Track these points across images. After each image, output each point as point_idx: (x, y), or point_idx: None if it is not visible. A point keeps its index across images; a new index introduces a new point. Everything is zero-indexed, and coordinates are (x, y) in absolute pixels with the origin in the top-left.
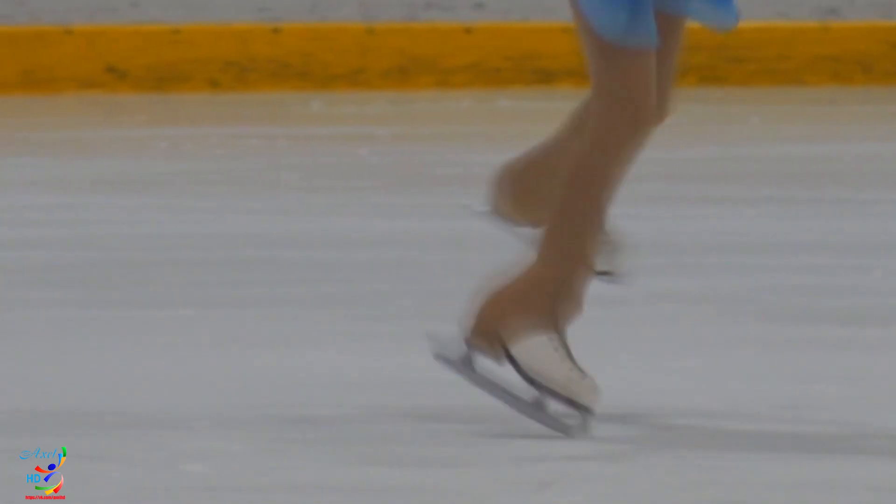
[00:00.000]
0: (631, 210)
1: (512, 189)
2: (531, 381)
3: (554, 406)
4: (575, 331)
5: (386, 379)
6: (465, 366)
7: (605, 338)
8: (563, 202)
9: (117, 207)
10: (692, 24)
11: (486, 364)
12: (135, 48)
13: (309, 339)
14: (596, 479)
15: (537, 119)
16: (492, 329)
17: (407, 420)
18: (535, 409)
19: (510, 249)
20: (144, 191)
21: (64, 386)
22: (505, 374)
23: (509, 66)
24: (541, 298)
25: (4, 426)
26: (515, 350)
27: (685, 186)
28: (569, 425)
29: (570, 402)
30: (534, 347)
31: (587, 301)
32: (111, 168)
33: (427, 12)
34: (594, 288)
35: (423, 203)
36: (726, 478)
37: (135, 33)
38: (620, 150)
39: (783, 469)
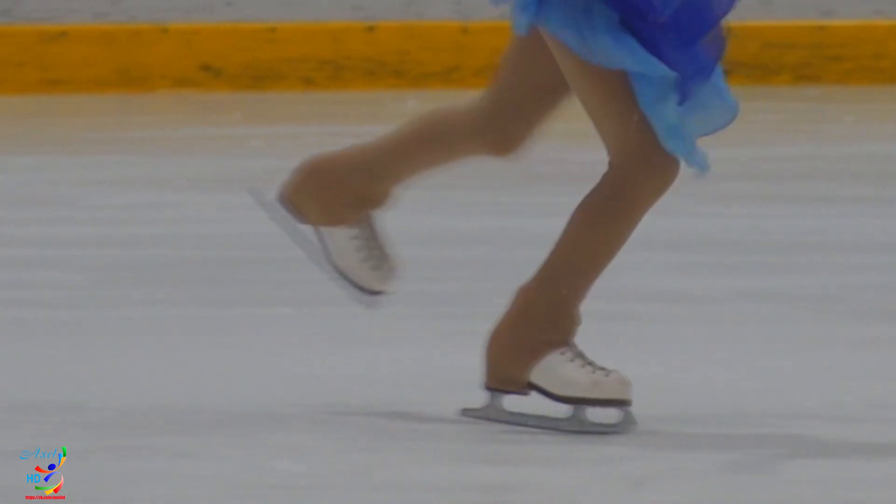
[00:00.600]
0: (725, 208)
1: (310, 180)
2: (561, 398)
3: (591, 413)
4: (664, 330)
5: (478, 377)
6: (494, 411)
7: (696, 337)
8: (576, 236)
9: (213, 206)
10: (783, 22)
11: (514, 401)
12: (230, 46)
13: (400, 337)
14: (691, 478)
15: None
16: (504, 366)
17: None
18: (575, 423)
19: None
20: (240, 189)
21: (158, 384)
22: (536, 402)
23: None
24: (537, 320)
25: (99, 425)
26: (533, 376)
27: (780, 185)
28: (612, 424)
29: (605, 402)
30: (548, 366)
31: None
32: (206, 166)
33: None
34: (686, 286)
35: (516, 201)
36: (818, 477)
37: (230, 32)
38: (643, 210)
39: (880, 468)
